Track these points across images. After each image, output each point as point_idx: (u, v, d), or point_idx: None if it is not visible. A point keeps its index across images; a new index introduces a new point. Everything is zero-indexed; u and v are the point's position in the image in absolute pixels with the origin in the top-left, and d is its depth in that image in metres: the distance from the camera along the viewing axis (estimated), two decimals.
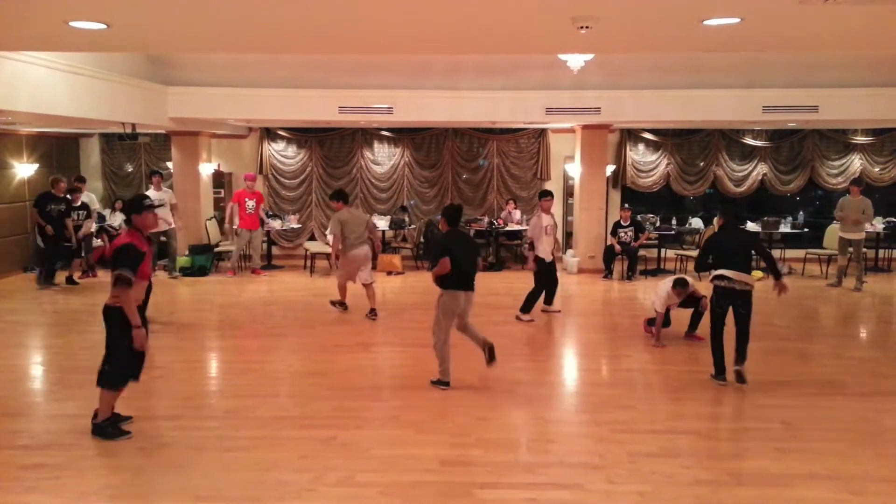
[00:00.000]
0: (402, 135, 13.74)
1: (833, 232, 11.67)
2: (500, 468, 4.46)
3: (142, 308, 4.88)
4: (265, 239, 12.62)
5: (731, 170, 13.71)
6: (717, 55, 9.50)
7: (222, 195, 13.55)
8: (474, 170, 13.93)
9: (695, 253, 11.26)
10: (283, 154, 13.86)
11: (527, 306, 8.66)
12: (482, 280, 11.48)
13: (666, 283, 7.51)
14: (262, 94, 10.66)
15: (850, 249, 10.81)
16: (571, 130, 12.86)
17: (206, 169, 12.76)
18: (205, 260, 11.89)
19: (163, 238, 11.20)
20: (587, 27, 4.66)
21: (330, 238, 8.95)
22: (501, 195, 13.75)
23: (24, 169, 11.94)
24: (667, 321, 7.69)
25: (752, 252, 6.33)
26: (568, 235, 13.44)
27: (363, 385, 6.22)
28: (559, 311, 9.05)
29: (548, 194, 8.91)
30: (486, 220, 12.93)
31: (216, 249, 12.38)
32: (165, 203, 10.67)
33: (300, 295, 10.30)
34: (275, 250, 13.41)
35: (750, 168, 13.69)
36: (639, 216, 12.60)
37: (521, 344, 7.64)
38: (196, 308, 9.67)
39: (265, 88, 10.61)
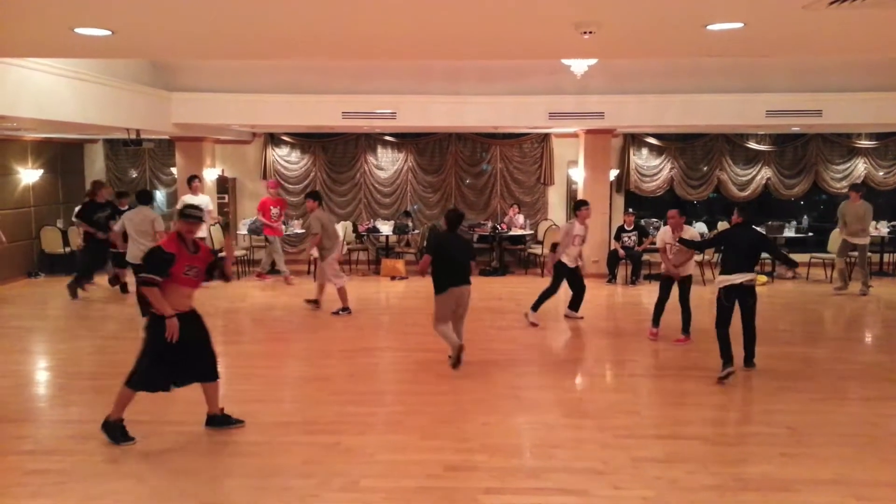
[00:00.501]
0: (405, 140, 13.75)
1: (837, 236, 11.64)
2: (504, 474, 4.45)
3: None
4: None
5: (734, 174, 13.69)
6: (719, 59, 9.50)
7: (226, 200, 13.57)
8: (478, 175, 13.94)
9: (699, 257, 11.27)
10: (287, 159, 13.88)
11: (537, 304, 8.65)
12: (485, 285, 11.63)
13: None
14: (265, 99, 10.68)
15: (855, 254, 10.78)
16: (575, 135, 12.87)
17: (211, 174, 12.79)
18: None
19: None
20: (590, 32, 4.66)
21: (310, 240, 9.19)
22: (505, 200, 13.75)
23: (28, 175, 11.98)
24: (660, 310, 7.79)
25: (761, 253, 6.54)
26: None
27: (367, 390, 6.22)
28: (581, 318, 8.95)
29: (585, 204, 8.80)
30: (490, 224, 12.93)
31: (220, 255, 12.36)
32: (204, 208, 10.64)
33: (304, 300, 10.28)
34: None
35: (754, 172, 13.68)
36: (642, 221, 12.60)
37: (524, 348, 7.62)
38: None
39: (269, 94, 10.64)
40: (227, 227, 12.83)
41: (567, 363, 7.48)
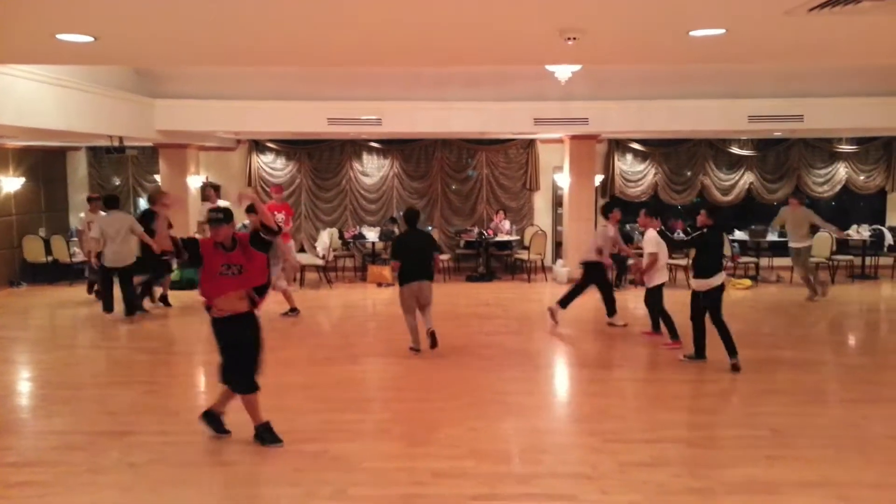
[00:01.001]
0: (391, 146, 13.75)
1: (821, 240, 11.77)
2: (492, 479, 4.45)
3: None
4: None
5: (718, 179, 13.81)
6: (702, 66, 9.59)
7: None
8: (463, 180, 13.96)
9: (684, 262, 11.37)
10: (272, 166, 13.83)
11: (565, 301, 8.72)
12: (472, 291, 11.64)
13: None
14: (250, 106, 10.63)
15: (817, 260, 10.92)
16: (560, 141, 12.92)
17: (195, 181, 12.71)
18: (193, 273, 11.81)
19: None
20: (574, 39, 4.69)
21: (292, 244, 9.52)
22: (491, 206, 13.78)
23: (9, 183, 11.85)
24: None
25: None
26: (557, 245, 13.48)
27: (354, 397, 6.19)
28: (626, 325, 8.73)
29: (616, 206, 9.01)
30: (476, 230, 12.95)
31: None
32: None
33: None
34: None
35: (737, 177, 13.81)
36: (627, 226, 12.65)
37: (511, 354, 7.62)
38: (186, 322, 9.60)
39: (253, 100, 10.59)
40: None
41: (554, 368, 7.50)
